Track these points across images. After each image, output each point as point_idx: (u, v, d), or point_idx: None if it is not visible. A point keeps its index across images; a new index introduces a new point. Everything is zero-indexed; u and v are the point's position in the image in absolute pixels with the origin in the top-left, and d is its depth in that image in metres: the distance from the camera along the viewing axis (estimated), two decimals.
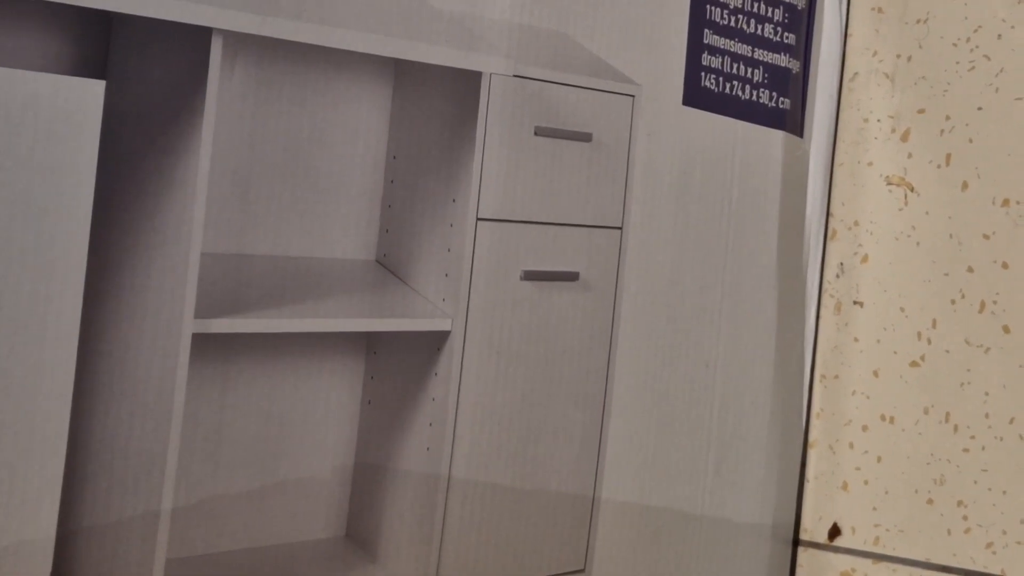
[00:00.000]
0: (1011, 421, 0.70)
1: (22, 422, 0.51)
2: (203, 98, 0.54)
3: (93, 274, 0.52)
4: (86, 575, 0.53)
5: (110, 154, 0.52)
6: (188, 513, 0.56)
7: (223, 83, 0.55)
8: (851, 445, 0.75)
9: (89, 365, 0.53)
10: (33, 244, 0.51)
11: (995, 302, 0.71)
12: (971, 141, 0.73)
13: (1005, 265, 0.71)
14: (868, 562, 0.74)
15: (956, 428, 0.72)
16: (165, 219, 0.54)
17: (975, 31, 0.73)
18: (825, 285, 0.76)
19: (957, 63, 0.74)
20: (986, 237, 0.72)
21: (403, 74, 0.63)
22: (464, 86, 0.62)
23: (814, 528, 0.76)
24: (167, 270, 0.54)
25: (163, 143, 0.54)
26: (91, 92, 0.52)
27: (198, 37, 0.53)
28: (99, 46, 0.53)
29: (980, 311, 0.72)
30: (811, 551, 0.76)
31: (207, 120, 0.54)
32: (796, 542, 0.76)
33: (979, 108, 0.73)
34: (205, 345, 0.56)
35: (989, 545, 0.71)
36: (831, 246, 0.76)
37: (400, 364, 0.63)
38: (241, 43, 0.56)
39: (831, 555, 0.75)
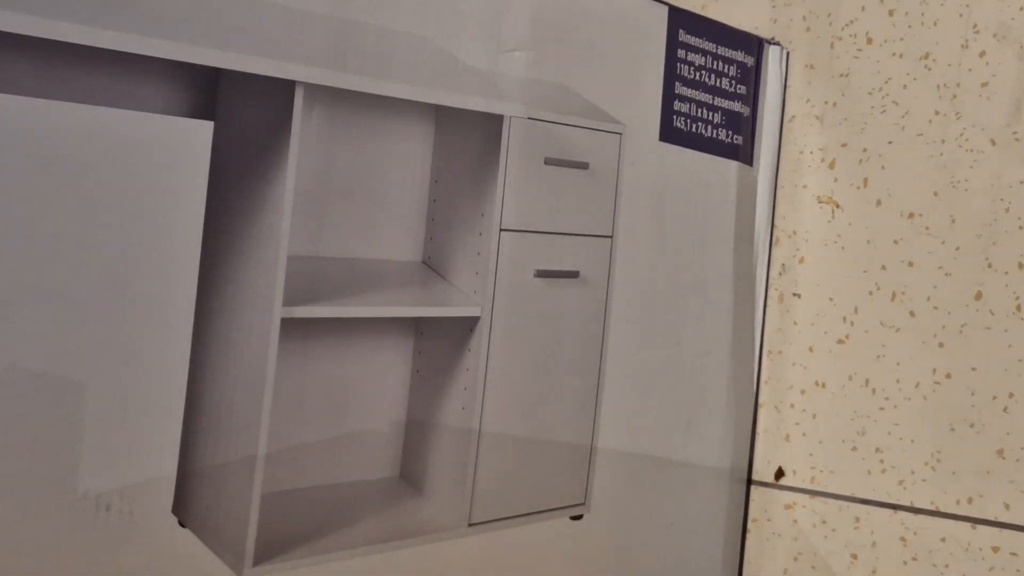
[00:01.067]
0: (916, 385, 0.71)
1: (151, 386, 0.51)
2: (288, 135, 0.54)
3: (205, 272, 0.52)
4: (199, 506, 0.53)
5: (218, 179, 0.53)
6: (277, 457, 0.56)
7: (304, 123, 0.55)
8: (792, 405, 0.75)
9: (202, 342, 0.53)
10: (157, 249, 0.51)
11: (903, 292, 0.72)
12: (883, 168, 0.73)
13: (911, 264, 0.72)
14: (806, 497, 0.74)
15: (874, 391, 0.72)
16: (260, 229, 0.54)
17: (886, 82, 0.73)
18: (771, 281, 0.77)
19: (872, 107, 0.74)
20: (895, 242, 0.72)
21: (443, 116, 0.63)
22: (490, 126, 0.62)
23: (763, 470, 0.76)
24: (262, 268, 0.54)
25: (258, 170, 0.55)
26: (202, 131, 0.52)
27: (285, 87, 0.54)
28: (209, 94, 0.54)
29: (891, 300, 0.72)
30: (761, 489, 0.76)
31: (292, 152, 0.54)
32: (749, 481, 0.76)
33: (889, 142, 0.73)
34: (290, 327, 0.56)
35: (901, 482, 0.71)
36: (775, 250, 0.77)
37: (441, 342, 0.63)
38: (318, 92, 0.56)
39: (777, 492, 0.75)
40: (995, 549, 0.67)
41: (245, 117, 0.54)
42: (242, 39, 0.52)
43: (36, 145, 0.47)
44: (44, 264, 0.48)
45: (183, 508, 0.52)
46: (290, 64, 0.54)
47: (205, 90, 0.54)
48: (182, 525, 0.52)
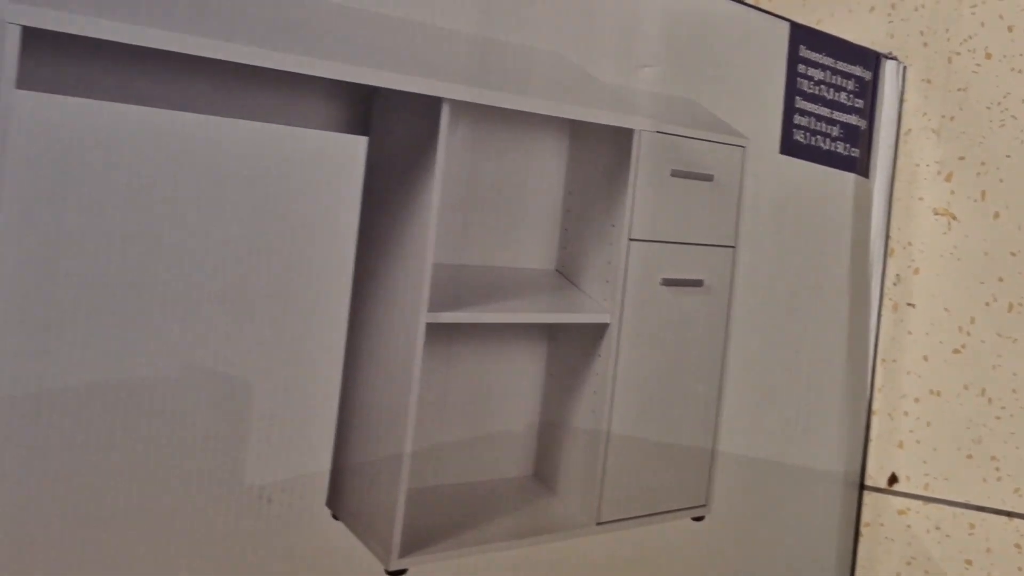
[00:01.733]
0: None
1: (309, 387, 0.53)
2: (435, 149, 0.56)
3: (358, 278, 0.54)
4: (350, 500, 0.55)
5: (370, 190, 0.54)
6: (421, 455, 0.58)
7: (449, 138, 0.57)
8: (906, 413, 0.75)
9: (354, 345, 0.55)
10: (316, 257, 0.53)
11: (1020, 304, 0.72)
12: (1001, 181, 0.73)
13: None
14: (919, 503, 0.74)
15: (990, 401, 0.72)
16: (408, 238, 0.56)
17: (1004, 96, 0.73)
18: (886, 291, 0.77)
19: (990, 121, 0.74)
20: (1013, 254, 0.72)
21: (577, 130, 0.64)
22: (621, 139, 0.63)
23: (876, 476, 0.76)
24: (409, 276, 0.56)
25: (407, 182, 0.56)
26: (358, 146, 0.54)
27: (433, 104, 0.55)
28: (364, 111, 0.56)
29: (1008, 311, 0.72)
30: (874, 494, 0.76)
31: (438, 166, 0.56)
32: (862, 487, 0.77)
33: (1007, 156, 0.73)
34: (435, 332, 0.57)
35: (1016, 490, 0.71)
36: (890, 261, 0.77)
37: (572, 347, 0.64)
38: (463, 108, 0.58)
39: (890, 497, 0.76)
40: None
41: (396, 132, 0.56)
42: (394, 59, 0.54)
43: (211, 159, 0.50)
44: (217, 271, 0.50)
45: (336, 502, 0.54)
46: (438, 82, 0.55)
47: (361, 107, 0.55)
48: (335, 518, 0.54)
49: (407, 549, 0.56)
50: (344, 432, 0.54)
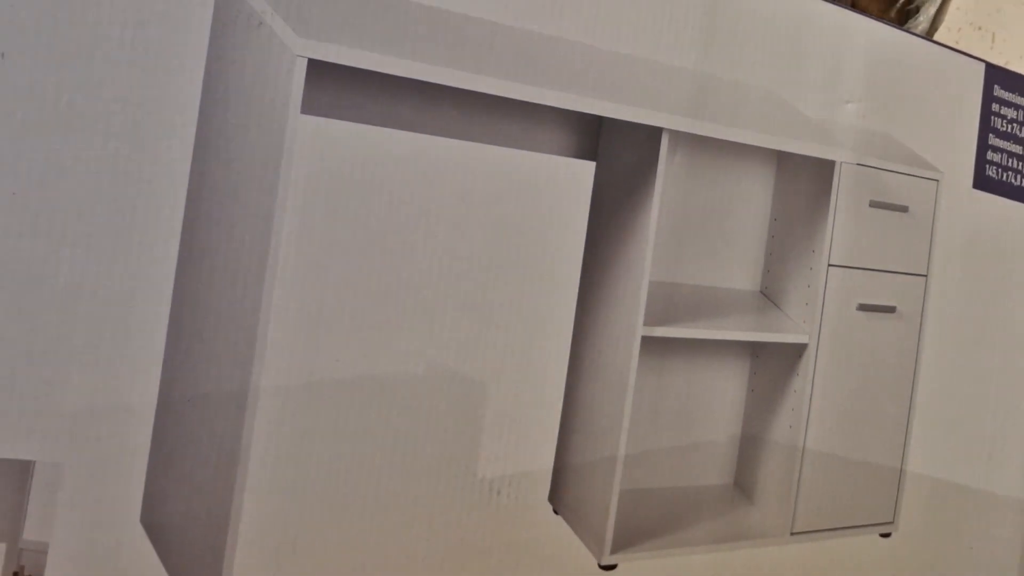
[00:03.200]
0: None
1: (537, 390, 0.55)
2: (655, 175, 0.57)
3: (582, 292, 0.56)
4: (569, 497, 0.57)
5: (596, 211, 0.57)
6: (633, 459, 0.59)
7: (668, 165, 0.59)
8: None
9: (576, 353, 0.57)
10: (547, 271, 0.55)
11: None
12: None
13: None
14: None
15: None
16: (628, 256, 0.58)
17: None
18: None
19: None
20: None
21: (783, 160, 0.66)
22: (823, 170, 0.64)
23: None
24: (628, 291, 0.58)
25: (627, 204, 0.58)
26: (586, 170, 0.57)
27: (653, 133, 0.57)
28: (593, 138, 0.58)
29: None
30: None
31: (657, 190, 0.57)
32: None
33: None
34: (649, 344, 0.59)
35: None
36: None
37: (773, 365, 0.65)
38: (680, 138, 0.60)
39: None
40: None
41: (620, 158, 0.58)
42: (620, 92, 0.56)
43: (461, 180, 0.53)
44: (461, 281, 0.53)
45: (557, 497, 0.56)
46: (658, 113, 0.57)
47: (589, 135, 0.58)
48: (555, 512, 0.56)
49: (618, 546, 0.58)
50: (566, 433, 0.57)
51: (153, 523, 0.46)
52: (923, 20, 0.85)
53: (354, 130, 0.50)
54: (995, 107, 0.72)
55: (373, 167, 0.51)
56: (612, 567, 0.58)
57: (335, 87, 0.50)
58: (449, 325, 0.53)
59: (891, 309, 0.67)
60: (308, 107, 0.49)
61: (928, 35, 0.85)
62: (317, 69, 0.49)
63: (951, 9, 0.84)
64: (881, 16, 0.85)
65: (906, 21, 0.86)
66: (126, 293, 0.45)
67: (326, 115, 0.50)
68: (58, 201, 0.43)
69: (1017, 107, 0.73)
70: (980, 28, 0.81)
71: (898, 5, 0.86)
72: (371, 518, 0.51)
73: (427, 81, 0.51)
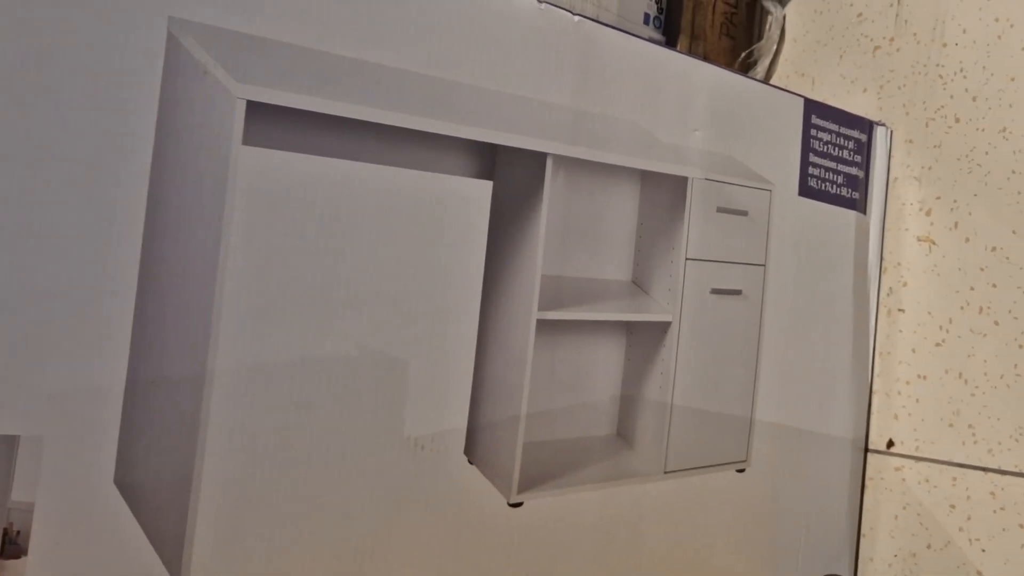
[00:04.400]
0: (1001, 377, 0.67)
1: (450, 365, 0.52)
2: (542, 190, 0.55)
3: (486, 286, 0.54)
4: (481, 450, 0.54)
5: (495, 220, 0.54)
6: (533, 417, 0.56)
7: (553, 182, 0.56)
8: (899, 392, 0.72)
9: (484, 334, 0.54)
10: (455, 271, 0.53)
11: (989, 307, 0.68)
12: (970, 214, 0.70)
13: (994, 285, 0.68)
14: (912, 461, 0.71)
15: (966, 382, 0.69)
16: (523, 255, 0.55)
17: (971, 150, 0.70)
18: (881, 300, 0.74)
19: (960, 169, 0.71)
20: (981, 270, 0.69)
21: (646, 177, 0.63)
22: (679, 184, 0.62)
23: (877, 441, 0.73)
24: (524, 284, 0.55)
25: (521, 214, 0.56)
26: (485, 188, 0.54)
27: (540, 157, 0.55)
28: (490, 162, 0.55)
29: (979, 313, 0.69)
30: (875, 455, 0.73)
31: (544, 202, 0.55)
32: (866, 450, 0.73)
33: (975, 195, 0.70)
34: (543, 326, 0.56)
35: (989, 450, 0.67)
36: (884, 277, 0.74)
37: (645, 339, 0.63)
38: (562, 161, 0.57)
39: (888, 457, 0.72)
40: None
41: (514, 177, 0.55)
42: (513, 124, 0.54)
43: (381, 198, 0.50)
44: (385, 280, 0.50)
45: (471, 451, 0.53)
46: (544, 140, 0.55)
47: (487, 160, 0.55)
48: (470, 463, 0.53)
49: (523, 487, 0.55)
50: (477, 399, 0.54)
51: (125, 484, 0.42)
52: (760, 69, 0.83)
53: (291, 158, 0.47)
54: (813, 132, 0.70)
55: (306, 187, 0.48)
56: (519, 504, 0.55)
57: (273, 123, 0.47)
58: (376, 315, 0.50)
59: (738, 292, 0.65)
60: (249, 140, 0.46)
61: (765, 80, 0.83)
62: (256, 109, 0.46)
63: (781, 60, 0.82)
64: (727, 66, 0.83)
65: (748, 70, 0.84)
66: (96, 292, 0.42)
67: (265, 146, 0.47)
68: (40, 215, 0.40)
69: (830, 131, 0.71)
70: (803, 74, 0.79)
71: (740, 58, 0.84)
72: (315, 474, 0.48)
73: (349, 117, 0.48)
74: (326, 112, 0.47)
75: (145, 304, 0.43)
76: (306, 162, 0.48)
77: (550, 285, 0.57)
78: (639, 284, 0.63)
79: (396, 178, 0.50)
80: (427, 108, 0.51)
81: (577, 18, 0.57)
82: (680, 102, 0.62)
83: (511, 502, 0.54)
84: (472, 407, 0.53)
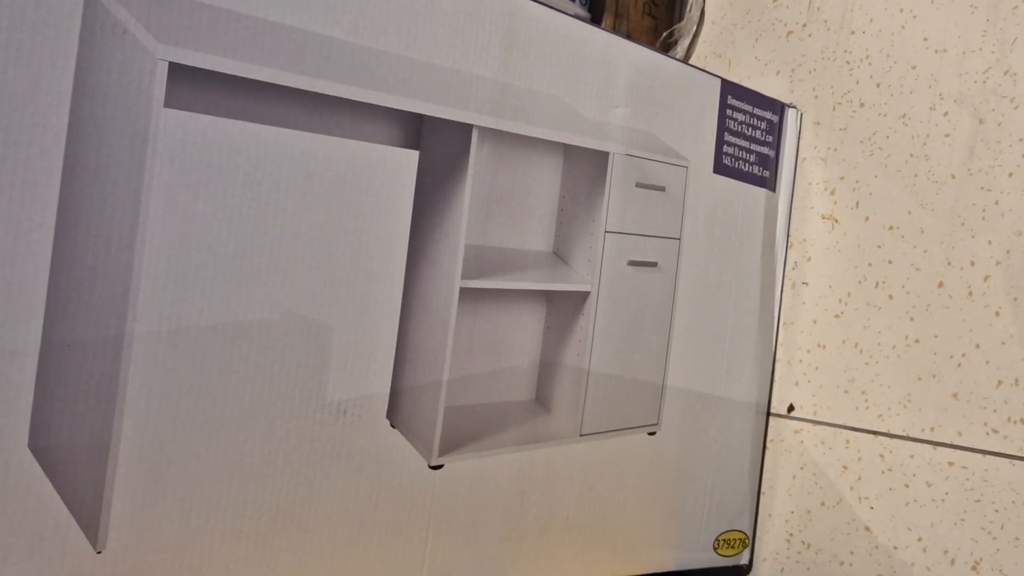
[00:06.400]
0: (893, 347, 0.69)
1: (374, 331, 0.51)
2: (467, 161, 0.54)
3: (411, 254, 0.53)
4: (403, 413, 0.53)
5: (421, 190, 0.53)
6: (455, 382, 0.56)
7: (478, 154, 0.55)
8: (800, 360, 0.74)
9: (409, 301, 0.53)
10: (382, 238, 0.51)
11: (884, 282, 0.70)
12: (871, 194, 0.71)
13: (890, 262, 0.70)
14: (810, 425, 0.73)
15: (861, 351, 0.70)
16: (447, 225, 0.54)
17: (873, 134, 0.72)
18: (787, 273, 0.75)
19: (863, 152, 0.72)
20: (879, 247, 0.70)
21: (569, 151, 0.63)
22: (600, 159, 0.61)
23: (779, 406, 0.75)
24: (448, 253, 0.54)
25: (446, 184, 0.55)
26: (411, 157, 0.53)
27: (466, 129, 0.54)
28: (416, 132, 0.54)
29: (875, 287, 0.70)
30: (777, 419, 0.75)
31: (469, 173, 0.54)
32: (768, 413, 0.75)
33: (875, 176, 0.71)
34: (466, 294, 0.56)
35: (880, 416, 0.69)
36: (790, 252, 0.75)
37: (565, 308, 0.63)
38: (487, 133, 0.56)
39: (788, 421, 0.74)
40: (950, 464, 0.65)
41: (440, 148, 0.54)
42: (440, 95, 0.52)
43: (307, 164, 0.48)
44: (309, 246, 0.48)
45: (393, 414, 0.52)
46: (469, 112, 0.54)
47: (413, 130, 0.54)
48: (392, 426, 0.52)
49: (444, 449, 0.54)
50: (400, 364, 0.53)
51: (39, 448, 0.40)
52: (680, 49, 0.83)
53: (214, 122, 0.45)
54: (729, 112, 0.70)
55: (230, 152, 0.46)
56: (439, 467, 0.54)
57: (196, 86, 0.45)
58: (299, 281, 0.48)
59: (653, 264, 0.65)
60: (171, 102, 0.44)
61: (684, 60, 0.83)
62: (178, 71, 0.43)
63: (700, 41, 0.82)
64: (649, 45, 0.83)
65: (668, 50, 0.84)
66: (7, 254, 0.39)
67: (188, 109, 0.44)
68: None
69: (744, 112, 0.71)
70: (720, 56, 0.79)
71: (662, 38, 0.84)
72: (235, 438, 0.46)
73: (273, 82, 0.46)
74: (250, 77, 0.45)
75: (61, 266, 0.41)
76: (230, 127, 0.46)
77: (474, 255, 0.56)
78: (560, 255, 0.63)
79: (322, 145, 0.49)
80: (353, 76, 0.49)
81: None
82: (602, 79, 0.61)
83: (432, 464, 0.54)
84: (395, 372, 0.52)
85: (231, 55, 0.45)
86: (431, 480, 0.54)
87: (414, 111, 0.51)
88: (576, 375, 0.61)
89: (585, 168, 0.62)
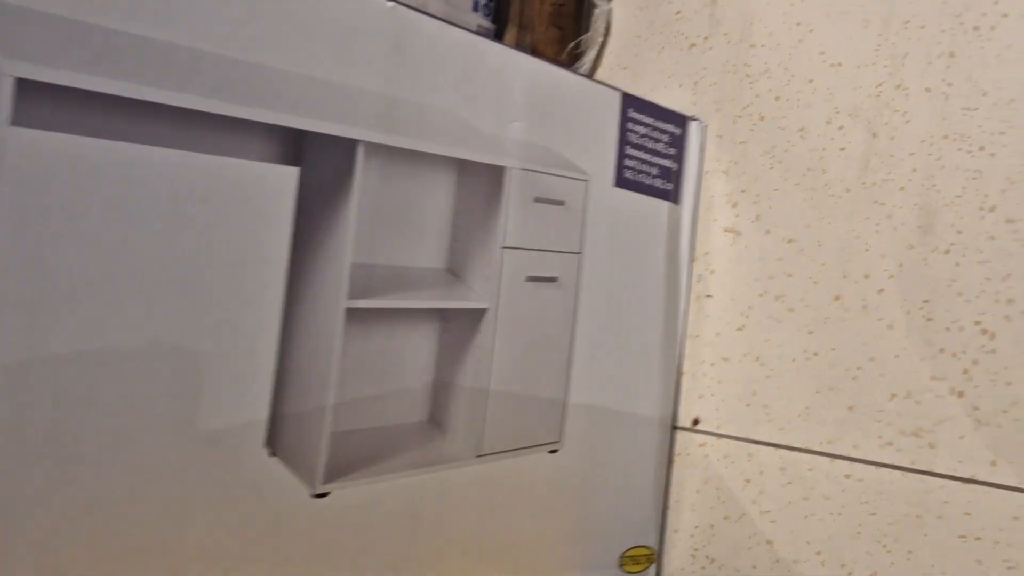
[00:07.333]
0: (793, 360, 0.69)
1: (251, 355, 0.49)
2: (353, 178, 0.52)
3: (293, 273, 0.50)
4: (284, 440, 0.51)
5: (303, 207, 0.51)
6: (341, 407, 0.54)
7: (365, 170, 0.53)
8: (705, 374, 0.73)
9: (291, 324, 0.51)
10: (259, 258, 0.49)
11: (784, 295, 0.70)
12: (771, 207, 0.71)
13: (789, 275, 0.70)
14: (714, 438, 0.72)
15: (763, 364, 0.70)
16: (333, 243, 0.52)
17: (772, 147, 0.72)
18: (692, 286, 0.75)
19: (763, 165, 0.72)
20: (779, 260, 0.70)
21: (463, 165, 0.61)
22: (496, 174, 0.60)
23: (684, 419, 0.74)
24: (334, 271, 0.52)
25: (331, 202, 0.53)
26: (291, 174, 0.50)
27: (351, 144, 0.52)
28: (296, 147, 0.52)
29: (775, 300, 0.70)
30: (682, 432, 0.74)
31: (355, 190, 0.52)
32: (674, 427, 0.74)
33: (775, 190, 0.71)
34: (353, 314, 0.54)
35: (781, 428, 0.69)
36: (694, 265, 0.75)
37: (460, 326, 0.61)
38: (375, 148, 0.54)
39: (693, 435, 0.73)
40: (847, 476, 0.65)
41: (323, 165, 0.52)
42: (321, 109, 0.50)
43: (175, 183, 0.45)
44: (178, 268, 0.46)
45: (273, 442, 0.50)
46: (354, 127, 0.52)
47: (293, 145, 0.51)
48: (272, 455, 0.50)
49: (330, 477, 0.52)
50: (281, 389, 0.51)
51: None
52: (587, 62, 0.82)
53: (68, 140, 0.42)
54: (629, 125, 0.69)
55: (87, 172, 0.43)
56: (324, 495, 0.52)
57: (49, 102, 0.42)
58: (166, 305, 0.45)
59: (553, 279, 0.64)
60: (20, 120, 0.41)
61: (591, 73, 0.82)
62: (28, 87, 0.40)
63: (607, 53, 0.81)
64: (555, 58, 0.82)
65: (575, 61, 0.83)
66: None
67: (39, 127, 0.41)
68: None
69: (646, 125, 0.71)
70: (626, 67, 0.78)
71: (568, 48, 0.83)
72: (95, 473, 0.44)
73: (133, 97, 0.43)
74: (105, 91, 0.42)
75: None
76: (89, 145, 0.43)
77: (361, 273, 0.54)
78: (454, 272, 0.61)
79: (192, 163, 0.46)
80: (224, 90, 0.46)
81: (391, 4, 0.53)
82: (498, 93, 0.60)
83: (316, 493, 0.52)
84: (275, 398, 0.50)
85: (87, 70, 0.42)
86: (316, 509, 0.52)
87: (291, 126, 0.49)
88: (474, 395, 0.60)
89: (481, 183, 0.60)
